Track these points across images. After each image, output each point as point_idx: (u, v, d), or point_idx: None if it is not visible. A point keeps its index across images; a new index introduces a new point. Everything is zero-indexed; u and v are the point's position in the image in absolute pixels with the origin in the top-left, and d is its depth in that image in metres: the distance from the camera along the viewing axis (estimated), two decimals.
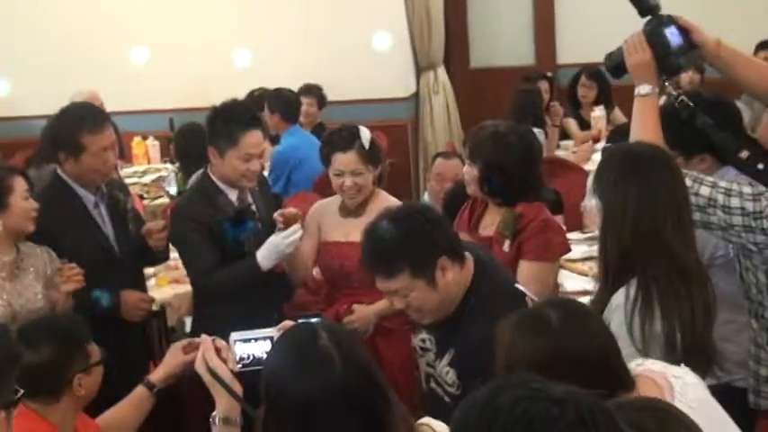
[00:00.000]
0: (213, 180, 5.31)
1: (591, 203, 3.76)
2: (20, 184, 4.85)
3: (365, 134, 5.29)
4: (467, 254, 3.82)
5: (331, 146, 5.38)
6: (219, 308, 5.03)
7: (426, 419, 2.83)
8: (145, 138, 10.57)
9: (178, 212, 5.68)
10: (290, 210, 5.27)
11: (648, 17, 3.97)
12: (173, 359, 3.98)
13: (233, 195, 5.26)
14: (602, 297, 3.59)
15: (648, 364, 3.02)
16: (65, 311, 4.80)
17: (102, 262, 5.15)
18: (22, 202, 4.81)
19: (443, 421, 2.89)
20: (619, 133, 4.93)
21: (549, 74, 10.82)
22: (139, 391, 4.03)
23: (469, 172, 4.97)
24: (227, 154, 5.17)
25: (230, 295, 5.15)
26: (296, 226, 5.12)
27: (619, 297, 3.50)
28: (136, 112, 10.99)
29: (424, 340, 3.97)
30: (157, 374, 4.04)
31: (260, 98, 9.17)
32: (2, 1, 11.66)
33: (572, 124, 9.79)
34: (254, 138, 5.22)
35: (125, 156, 10.03)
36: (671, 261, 3.50)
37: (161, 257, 5.77)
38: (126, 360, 4.56)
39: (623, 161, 3.66)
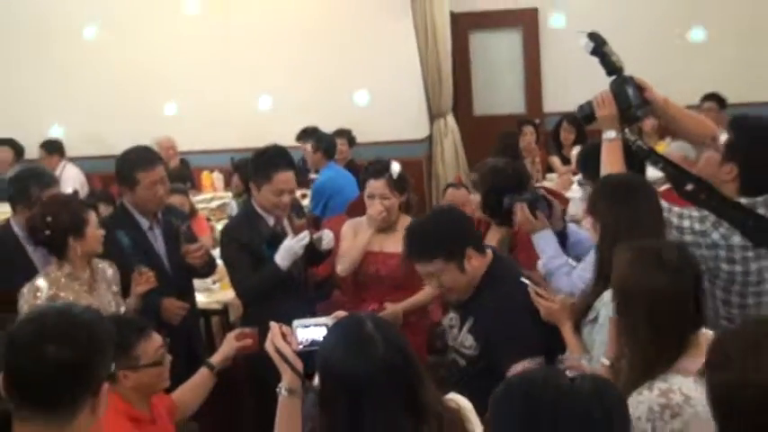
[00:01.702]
0: (255, 208, 5.35)
1: (586, 221, 3.80)
2: (92, 217, 4.81)
3: (395, 167, 5.33)
4: (487, 249, 3.95)
5: (367, 173, 5.45)
6: (263, 308, 4.89)
7: (451, 395, 2.81)
8: (211, 171, 10.59)
9: (225, 233, 5.70)
10: (300, 221, 5.32)
11: (614, 76, 4.10)
12: (228, 346, 4.16)
13: (270, 221, 5.30)
14: (596, 291, 3.62)
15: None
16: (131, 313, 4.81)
17: (155, 276, 5.09)
18: (95, 230, 4.77)
19: (458, 388, 3.00)
20: (584, 154, 4.97)
21: (537, 120, 10.90)
22: (202, 371, 4.15)
23: (475, 199, 5.05)
24: (263, 188, 5.23)
25: (262, 294, 5.18)
26: (305, 233, 5.19)
27: (609, 294, 3.43)
28: (205, 152, 11.04)
29: (451, 318, 4.01)
30: (216, 358, 4.17)
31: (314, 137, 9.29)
32: (98, 62, 11.64)
33: (555, 161, 9.80)
34: (285, 177, 5.23)
35: (196, 186, 10.13)
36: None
37: (203, 273, 5.75)
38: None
39: (615, 189, 3.73)
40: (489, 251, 3.94)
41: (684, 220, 3.80)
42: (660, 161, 4.15)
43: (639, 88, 4.09)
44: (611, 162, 4.05)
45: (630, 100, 4.06)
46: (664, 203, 3.84)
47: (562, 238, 4.56)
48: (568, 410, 1.86)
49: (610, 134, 4.08)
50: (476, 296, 3.82)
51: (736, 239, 3.76)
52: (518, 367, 3.51)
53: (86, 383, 2.44)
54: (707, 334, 2.96)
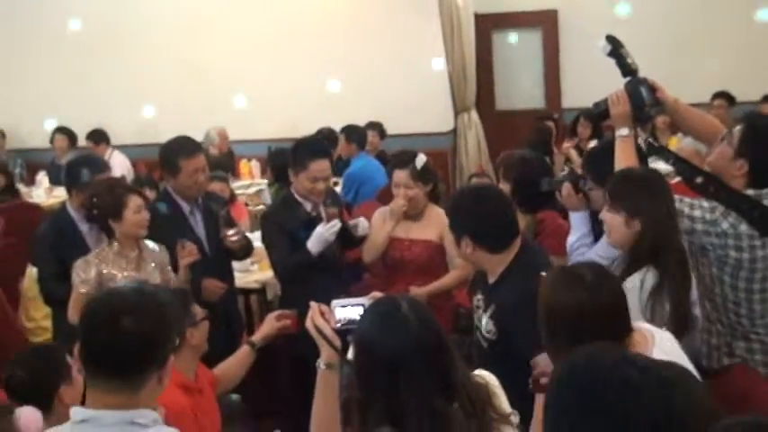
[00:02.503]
0: (293, 194, 5.38)
1: (609, 215, 3.71)
2: (134, 201, 4.82)
3: (420, 159, 5.30)
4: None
5: (393, 164, 5.50)
6: (299, 288, 4.92)
7: (479, 371, 2.80)
8: (249, 160, 10.65)
9: (265, 217, 5.76)
10: (332, 209, 5.28)
11: (629, 77, 4.09)
12: (268, 326, 4.19)
13: (308, 206, 5.31)
14: (621, 275, 3.57)
15: (639, 323, 3.06)
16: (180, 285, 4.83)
17: (198, 259, 5.14)
18: (134, 215, 4.78)
19: (482, 364, 3.02)
20: (593, 159, 5.00)
21: (556, 115, 10.97)
22: (244, 348, 4.20)
23: (504, 187, 5.03)
24: (300, 175, 5.26)
25: (297, 275, 5.21)
26: (336, 221, 5.19)
27: (634, 280, 3.51)
28: (245, 142, 11.09)
29: (478, 300, 3.96)
30: (257, 336, 4.23)
31: (330, 133, 9.29)
32: (150, 50, 11.80)
33: (572, 153, 9.83)
34: (320, 165, 5.26)
35: (236, 173, 10.22)
36: (677, 253, 3.62)
37: (241, 256, 5.74)
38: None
39: (639, 180, 3.74)
40: (519, 240, 3.85)
41: (696, 210, 3.79)
42: (671, 157, 4.19)
43: (652, 89, 4.08)
44: (625, 158, 4.02)
45: (644, 100, 4.05)
46: (676, 195, 3.82)
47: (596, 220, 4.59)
48: (636, 405, 1.77)
49: (623, 131, 4.06)
50: (500, 284, 3.77)
51: (744, 228, 3.76)
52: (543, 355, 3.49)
53: (155, 355, 2.47)
54: (641, 332, 2.98)
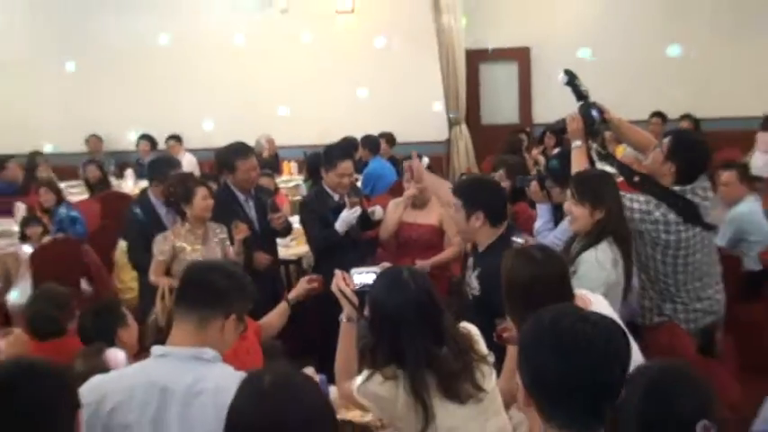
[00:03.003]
0: (324, 187, 5.42)
1: (575, 208, 3.69)
2: (201, 190, 4.86)
3: (424, 161, 5.14)
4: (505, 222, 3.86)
5: (396, 166, 5.52)
6: (328, 259, 5.01)
7: (463, 323, 2.80)
8: (290, 161, 10.62)
9: (303, 204, 5.81)
10: (354, 199, 5.26)
11: (581, 101, 4.11)
12: (301, 287, 4.18)
13: (335, 197, 5.34)
14: (580, 251, 3.60)
15: (579, 290, 3.04)
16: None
17: (249, 235, 5.15)
18: (201, 201, 4.82)
19: (468, 316, 3.05)
20: (555, 158, 5.05)
21: (528, 129, 10.88)
22: (283, 304, 4.18)
23: (504, 184, 5.05)
24: (330, 173, 5.31)
25: (326, 249, 5.25)
26: (357, 208, 5.21)
27: (590, 254, 3.53)
28: (286, 147, 11.03)
29: (470, 260, 3.99)
30: (292, 295, 4.21)
31: (352, 141, 9.27)
32: (211, 73, 11.79)
33: (540, 158, 9.73)
34: (346, 165, 5.30)
35: (280, 171, 10.20)
36: (624, 231, 3.68)
37: (283, 234, 5.73)
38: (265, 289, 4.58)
39: (598, 180, 3.76)
40: (506, 223, 3.84)
41: (634, 203, 3.86)
42: (615, 161, 4.30)
43: (600, 110, 4.10)
44: (578, 163, 4.06)
45: (594, 119, 4.07)
46: (621, 194, 3.86)
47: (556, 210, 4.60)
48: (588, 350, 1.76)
49: (577, 143, 4.09)
50: (486, 253, 3.76)
51: (672, 216, 3.84)
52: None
53: (223, 303, 2.50)
54: (581, 297, 2.98)
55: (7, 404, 1.88)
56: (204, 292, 2.49)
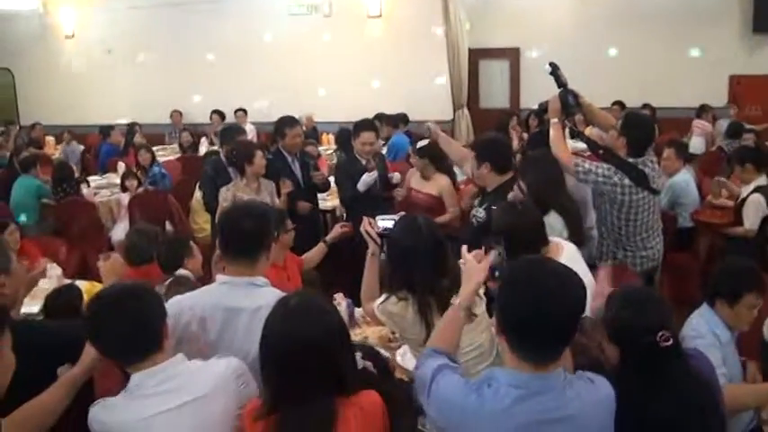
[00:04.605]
0: (354, 153, 5.33)
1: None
2: (258, 154, 4.87)
3: (421, 142, 5.34)
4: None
5: (412, 139, 5.45)
6: (357, 210, 4.84)
7: (460, 261, 2.60)
8: (327, 134, 10.55)
9: (337, 167, 5.78)
10: (372, 164, 5.16)
11: (561, 88, 4.04)
12: (336, 231, 4.19)
13: (363, 161, 5.23)
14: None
15: (554, 238, 3.05)
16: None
17: (294, 189, 5.16)
18: (260, 161, 4.85)
19: (474, 237, 3.06)
20: (533, 139, 5.00)
21: (516, 112, 10.64)
22: (321, 244, 4.18)
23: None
24: (356, 141, 5.25)
25: (354, 202, 5.17)
26: (374, 172, 5.13)
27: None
28: (323, 123, 10.94)
29: (476, 200, 4.02)
30: (328, 237, 4.20)
31: (376, 118, 9.16)
32: (266, 63, 11.71)
33: (525, 137, 9.70)
34: (366, 135, 5.21)
35: (320, 141, 10.13)
36: (565, 199, 3.63)
37: (323, 189, 5.62)
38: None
39: (542, 162, 3.76)
40: (511, 173, 3.83)
41: (599, 169, 3.82)
42: (584, 138, 4.19)
43: (576, 96, 4.03)
44: (556, 137, 3.97)
45: (570, 102, 4.00)
46: (588, 162, 3.83)
47: None
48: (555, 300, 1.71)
49: (554, 120, 4.01)
50: (492, 193, 3.79)
51: (627, 181, 3.80)
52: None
53: (263, 242, 2.48)
54: (557, 243, 2.96)
55: (120, 311, 1.96)
56: (242, 243, 2.43)
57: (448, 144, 4.59)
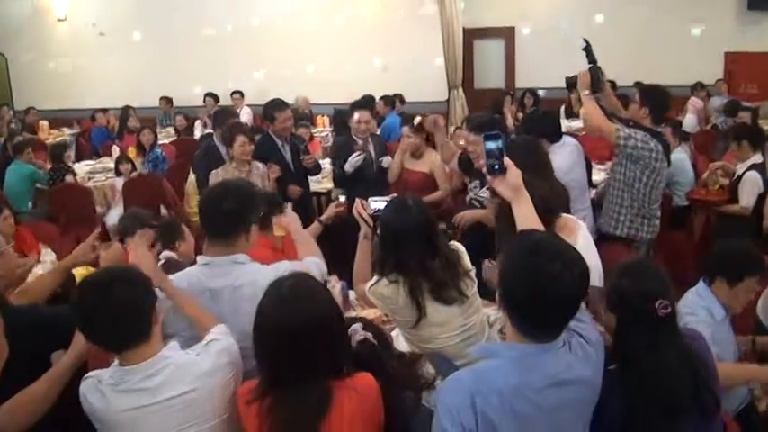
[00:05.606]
0: (353, 135, 5.32)
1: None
2: (240, 138, 4.80)
3: (417, 119, 5.27)
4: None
5: (403, 120, 5.43)
6: (352, 191, 4.88)
7: (453, 243, 2.66)
8: (322, 116, 10.50)
9: (333, 148, 5.75)
10: (359, 148, 5.18)
11: (591, 65, 4.09)
12: (330, 211, 4.13)
13: (360, 142, 5.25)
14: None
15: (569, 215, 2.94)
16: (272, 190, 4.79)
17: (284, 172, 5.11)
18: (240, 147, 4.79)
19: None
20: (528, 120, 4.95)
21: (511, 92, 10.59)
22: (316, 223, 4.11)
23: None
24: (351, 121, 5.27)
25: (346, 183, 5.19)
26: (362, 154, 5.14)
27: None
28: (319, 104, 10.90)
29: (475, 183, 4.06)
30: (323, 217, 4.15)
31: (370, 99, 9.07)
32: (262, 45, 11.66)
33: (520, 116, 9.64)
34: (362, 114, 5.24)
35: (314, 123, 10.08)
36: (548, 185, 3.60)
37: (314, 173, 5.56)
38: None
39: (527, 146, 3.66)
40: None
41: (637, 134, 3.93)
42: (614, 118, 4.26)
43: (602, 73, 4.11)
44: (592, 107, 4.04)
45: (599, 77, 4.08)
46: (627, 130, 3.91)
47: None
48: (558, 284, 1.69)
49: (585, 92, 4.08)
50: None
51: (660, 148, 3.95)
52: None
53: (242, 222, 2.44)
54: (572, 221, 2.87)
55: (107, 298, 1.92)
56: (221, 222, 2.42)
57: (443, 140, 4.74)
